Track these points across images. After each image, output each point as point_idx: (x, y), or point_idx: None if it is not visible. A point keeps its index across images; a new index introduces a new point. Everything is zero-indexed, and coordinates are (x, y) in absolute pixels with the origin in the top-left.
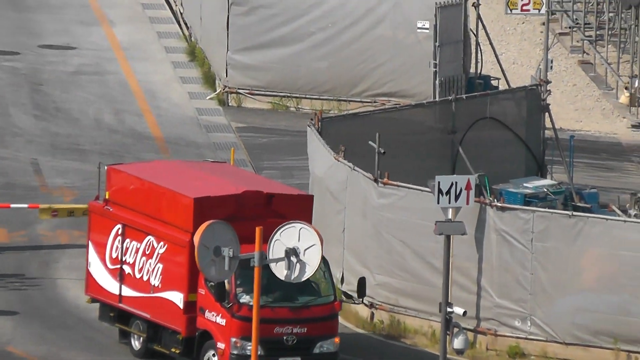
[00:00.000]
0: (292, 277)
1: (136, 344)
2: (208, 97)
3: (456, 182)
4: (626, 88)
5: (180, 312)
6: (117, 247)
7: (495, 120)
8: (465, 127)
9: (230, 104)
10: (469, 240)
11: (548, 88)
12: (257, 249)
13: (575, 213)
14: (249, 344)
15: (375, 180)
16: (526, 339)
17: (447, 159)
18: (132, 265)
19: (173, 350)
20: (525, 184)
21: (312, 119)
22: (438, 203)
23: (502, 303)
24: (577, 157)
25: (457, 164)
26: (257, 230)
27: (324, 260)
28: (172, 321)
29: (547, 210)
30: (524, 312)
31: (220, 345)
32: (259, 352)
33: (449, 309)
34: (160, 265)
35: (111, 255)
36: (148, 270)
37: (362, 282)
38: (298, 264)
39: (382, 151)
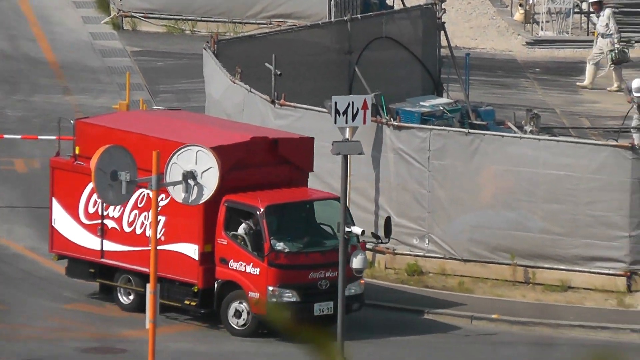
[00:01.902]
0: (190, 200)
1: (124, 298)
2: (102, 22)
3: (353, 102)
4: (520, 5)
5: (196, 263)
6: (95, 201)
7: (391, 40)
8: (361, 47)
9: (125, 28)
10: (367, 159)
11: (443, 7)
12: (154, 172)
13: (471, 130)
14: (287, 291)
15: (272, 102)
16: (424, 256)
17: (344, 79)
18: (119, 219)
19: (187, 302)
20: (421, 103)
21: (207, 42)
22: (335, 123)
23: (401, 222)
24: (473, 74)
25: (354, 84)
26: (154, 154)
27: (339, 200)
28: (183, 273)
29: (443, 128)
30: (422, 230)
31: (254, 295)
32: (294, 299)
33: (347, 229)
34: (161, 218)
35: (87, 211)
36: (143, 223)
37: (388, 221)
38: (196, 187)
39: (279, 73)
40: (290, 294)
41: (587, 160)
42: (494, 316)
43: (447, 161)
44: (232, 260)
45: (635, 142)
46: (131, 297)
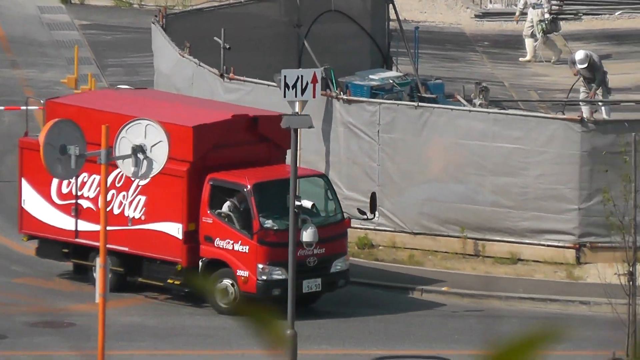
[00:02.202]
0: (140, 174)
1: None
2: None
3: (302, 76)
4: None
5: (179, 242)
6: (68, 182)
7: (340, 13)
8: (310, 20)
9: (73, 2)
10: (317, 133)
11: None
12: (103, 146)
13: (421, 104)
14: (276, 269)
15: (221, 76)
16: (375, 229)
17: (293, 53)
18: (94, 200)
19: (170, 281)
20: (371, 76)
21: (156, 16)
22: (284, 97)
23: (351, 195)
24: (422, 48)
25: (303, 58)
26: (103, 128)
27: (325, 177)
28: (166, 252)
29: (393, 102)
30: None
31: (242, 273)
32: (282, 276)
33: (297, 203)
34: (141, 198)
35: (60, 191)
36: (121, 203)
37: (373, 197)
38: (145, 161)
39: (228, 46)
40: (279, 272)
41: (536, 133)
42: (443, 289)
43: (397, 135)
44: (218, 239)
45: (584, 115)
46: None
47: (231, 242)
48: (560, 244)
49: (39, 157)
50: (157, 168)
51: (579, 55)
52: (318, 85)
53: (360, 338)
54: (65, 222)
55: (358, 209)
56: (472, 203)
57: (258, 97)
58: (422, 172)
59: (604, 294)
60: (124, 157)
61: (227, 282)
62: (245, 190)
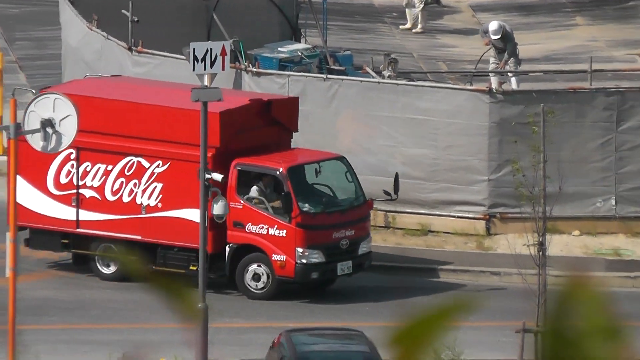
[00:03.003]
0: (49, 148)
1: (104, 268)
2: None
3: (211, 49)
4: None
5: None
6: (68, 172)
7: None
8: None
9: None
10: None
11: None
12: (11, 120)
13: (330, 76)
14: (314, 252)
15: (130, 49)
16: None
17: (202, 26)
18: (99, 189)
19: (193, 268)
20: (279, 49)
21: None
22: (193, 70)
23: None
24: (330, 20)
25: (212, 31)
26: (12, 101)
27: (344, 159)
28: (188, 239)
29: (302, 74)
30: None
31: (278, 257)
32: (320, 259)
33: (207, 175)
34: (157, 185)
35: (58, 182)
36: (132, 191)
37: (397, 178)
38: (54, 135)
39: (136, 19)
40: (317, 255)
41: (444, 105)
42: None
43: (306, 107)
44: (250, 224)
45: (493, 86)
46: (113, 266)
47: (265, 226)
48: (470, 215)
49: (30, 150)
50: (65, 142)
51: (493, 26)
52: (227, 58)
53: (271, 312)
54: (64, 212)
55: (383, 190)
56: (382, 174)
57: (167, 70)
58: (332, 144)
59: (514, 265)
60: (32, 132)
61: (257, 267)
62: (279, 174)
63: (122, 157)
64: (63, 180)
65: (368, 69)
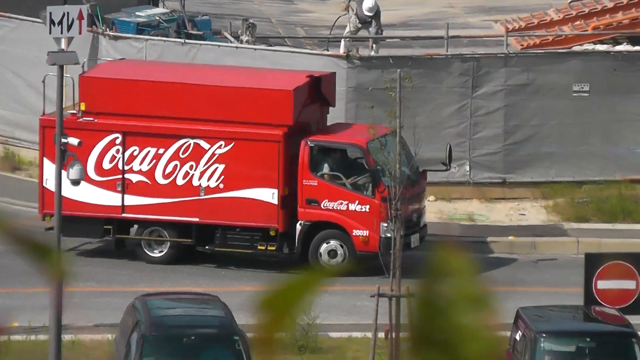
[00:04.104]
0: None
1: (152, 252)
2: None
3: (68, 12)
4: None
5: (275, 207)
6: (112, 157)
7: None
8: None
9: None
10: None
11: None
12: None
13: (187, 41)
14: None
15: None
16: None
17: None
18: (149, 172)
19: (261, 248)
20: (137, 13)
21: None
22: (50, 33)
23: None
24: None
25: None
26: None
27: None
28: (257, 219)
29: (159, 38)
30: None
31: (360, 232)
32: (402, 233)
33: (62, 140)
34: (219, 166)
35: (100, 167)
36: (187, 173)
37: (450, 148)
38: None
39: None
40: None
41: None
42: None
43: None
44: (326, 200)
45: (341, 51)
46: (162, 249)
47: (345, 202)
48: None
49: (72, 135)
50: None
51: (369, 3)
52: (84, 22)
53: (126, 278)
54: (106, 198)
55: (442, 161)
56: None
57: (23, 34)
58: None
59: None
60: None
61: (334, 243)
62: (361, 149)
63: (174, 140)
64: (106, 165)
65: (226, 34)
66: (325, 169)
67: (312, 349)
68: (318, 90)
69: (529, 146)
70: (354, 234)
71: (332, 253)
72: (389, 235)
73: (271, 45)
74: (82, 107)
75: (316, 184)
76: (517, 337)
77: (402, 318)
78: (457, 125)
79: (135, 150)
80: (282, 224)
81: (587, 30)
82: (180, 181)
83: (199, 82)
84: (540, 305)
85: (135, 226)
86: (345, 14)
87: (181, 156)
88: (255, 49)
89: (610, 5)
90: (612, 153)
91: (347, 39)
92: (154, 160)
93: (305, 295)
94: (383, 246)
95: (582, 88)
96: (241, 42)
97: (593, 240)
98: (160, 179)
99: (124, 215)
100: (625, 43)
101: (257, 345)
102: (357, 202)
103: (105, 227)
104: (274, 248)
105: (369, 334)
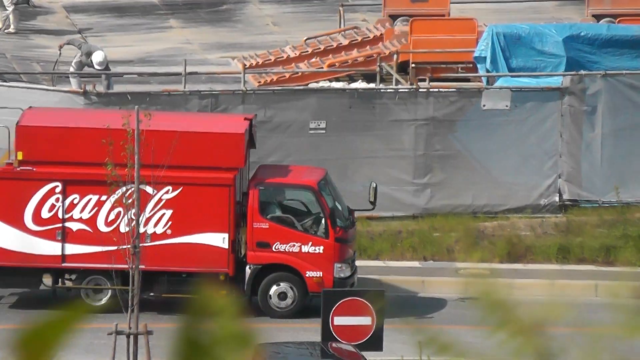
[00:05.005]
0: None
1: (95, 301)
2: None
3: None
4: None
5: (226, 252)
6: (52, 206)
7: None
8: None
9: None
10: None
11: None
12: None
13: None
14: (346, 266)
15: None
16: None
17: None
18: (90, 221)
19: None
20: None
21: None
22: None
23: None
24: None
25: None
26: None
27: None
28: (206, 264)
29: None
30: None
31: (313, 274)
32: (348, 274)
33: None
34: (166, 212)
35: (38, 216)
36: (131, 220)
37: (375, 187)
38: None
39: None
40: (347, 269)
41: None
42: None
43: None
44: (277, 243)
45: (73, 87)
46: (105, 297)
47: (297, 244)
48: None
49: (13, 184)
50: None
51: (99, 57)
52: None
53: None
54: (45, 247)
55: (370, 200)
56: None
57: None
58: None
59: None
60: None
61: (284, 286)
62: (311, 190)
63: (116, 188)
64: (45, 215)
65: None
66: (275, 211)
67: None
68: (250, 133)
69: None
70: (307, 275)
71: (282, 295)
72: (342, 275)
73: (6, 81)
74: (19, 157)
75: (267, 226)
76: None
77: (139, 356)
78: None
79: (75, 198)
80: (232, 268)
81: (322, 68)
82: (124, 228)
83: (143, 127)
84: (277, 342)
85: (74, 276)
86: (59, 55)
87: (125, 203)
88: None
89: (346, 42)
90: (347, 189)
91: (75, 76)
92: (96, 208)
93: (64, 333)
94: (337, 287)
95: (319, 125)
96: None
97: None
98: (103, 227)
99: (64, 265)
100: (360, 80)
101: None
102: (310, 243)
103: (44, 276)
104: (223, 292)
105: None
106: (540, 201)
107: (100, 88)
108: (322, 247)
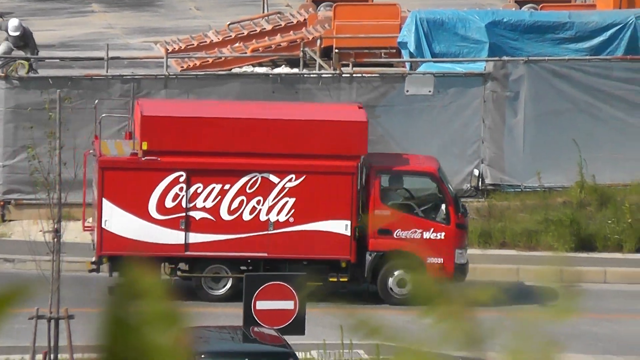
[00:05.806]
0: None
1: (215, 291)
2: None
3: None
4: None
5: (348, 239)
6: (175, 195)
7: None
8: None
9: None
10: None
11: None
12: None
13: None
14: (465, 252)
15: None
16: None
17: None
18: (213, 209)
19: (333, 279)
20: None
21: None
22: None
23: None
24: None
25: None
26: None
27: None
28: (328, 251)
29: None
30: None
31: (435, 260)
32: (466, 260)
33: None
34: (289, 200)
35: (162, 206)
36: (255, 208)
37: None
38: None
39: None
40: (466, 255)
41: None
42: None
43: None
44: (399, 230)
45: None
46: (224, 286)
47: (419, 231)
48: None
49: (132, 175)
50: None
51: (14, 22)
52: None
53: None
54: (169, 236)
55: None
56: None
57: None
58: None
59: (29, 252)
60: None
61: (403, 272)
62: (434, 177)
63: (239, 176)
64: (169, 204)
65: None
66: (397, 198)
67: None
68: None
69: None
70: (428, 262)
71: (402, 282)
72: (462, 261)
73: None
74: (144, 147)
75: (389, 213)
76: None
77: (61, 340)
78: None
79: (199, 187)
80: (354, 255)
81: (246, 53)
82: (247, 216)
83: (266, 117)
84: (198, 326)
85: (193, 265)
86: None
87: (248, 191)
88: None
89: (269, 28)
90: None
91: (1, 59)
92: (219, 197)
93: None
94: (456, 273)
95: None
96: None
97: None
98: (226, 215)
99: (187, 253)
100: (283, 66)
101: None
102: (432, 229)
103: (170, 266)
104: (346, 279)
105: (27, 357)
106: (463, 186)
107: (22, 72)
108: (443, 234)
